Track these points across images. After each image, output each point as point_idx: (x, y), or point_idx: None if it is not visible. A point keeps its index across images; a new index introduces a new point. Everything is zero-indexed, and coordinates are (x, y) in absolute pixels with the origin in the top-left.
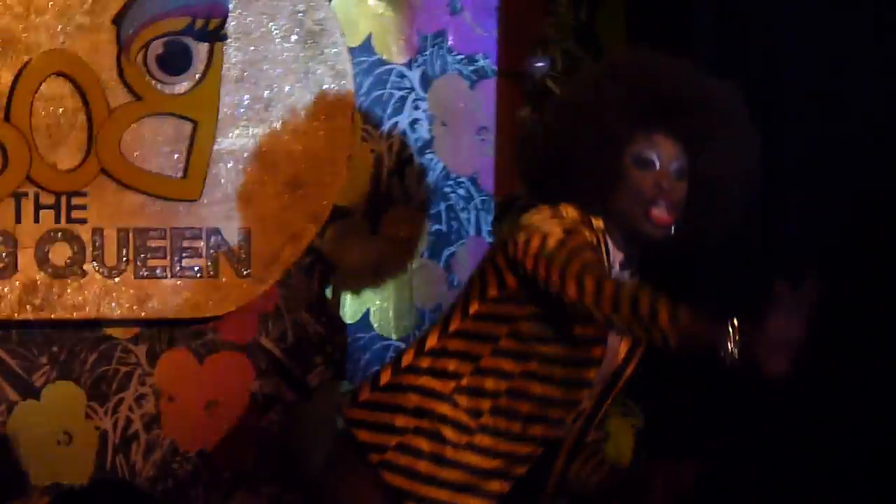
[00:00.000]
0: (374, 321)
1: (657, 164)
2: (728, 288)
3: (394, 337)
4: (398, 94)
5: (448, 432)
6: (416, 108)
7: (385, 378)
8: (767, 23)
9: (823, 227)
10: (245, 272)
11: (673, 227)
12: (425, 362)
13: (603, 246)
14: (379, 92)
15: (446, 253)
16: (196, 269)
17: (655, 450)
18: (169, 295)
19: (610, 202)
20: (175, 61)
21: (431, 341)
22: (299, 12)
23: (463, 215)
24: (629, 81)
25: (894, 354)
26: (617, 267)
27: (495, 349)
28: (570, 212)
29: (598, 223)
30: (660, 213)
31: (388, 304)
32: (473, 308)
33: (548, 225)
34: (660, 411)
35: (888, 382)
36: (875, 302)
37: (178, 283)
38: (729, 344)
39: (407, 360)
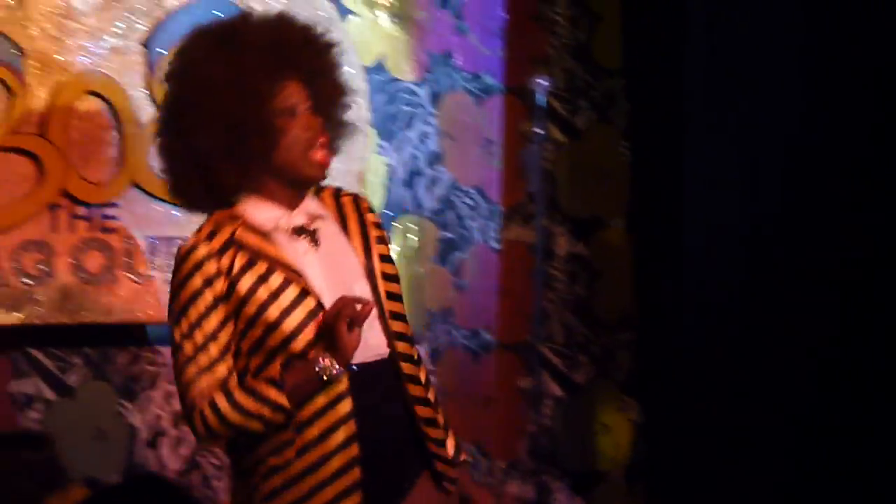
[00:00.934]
0: None
1: (298, 110)
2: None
3: None
4: (409, 110)
5: None
6: (427, 123)
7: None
8: (758, 43)
9: (837, 230)
10: None
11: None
12: None
13: (240, 245)
14: (392, 108)
15: (455, 259)
16: None
17: (653, 444)
18: None
19: (272, 164)
20: None
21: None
22: None
23: (470, 223)
24: (248, 46)
25: None
26: (270, 224)
27: None
28: (195, 255)
29: (232, 225)
30: (320, 154)
31: None
32: None
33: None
34: (657, 406)
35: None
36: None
37: None
38: (325, 372)
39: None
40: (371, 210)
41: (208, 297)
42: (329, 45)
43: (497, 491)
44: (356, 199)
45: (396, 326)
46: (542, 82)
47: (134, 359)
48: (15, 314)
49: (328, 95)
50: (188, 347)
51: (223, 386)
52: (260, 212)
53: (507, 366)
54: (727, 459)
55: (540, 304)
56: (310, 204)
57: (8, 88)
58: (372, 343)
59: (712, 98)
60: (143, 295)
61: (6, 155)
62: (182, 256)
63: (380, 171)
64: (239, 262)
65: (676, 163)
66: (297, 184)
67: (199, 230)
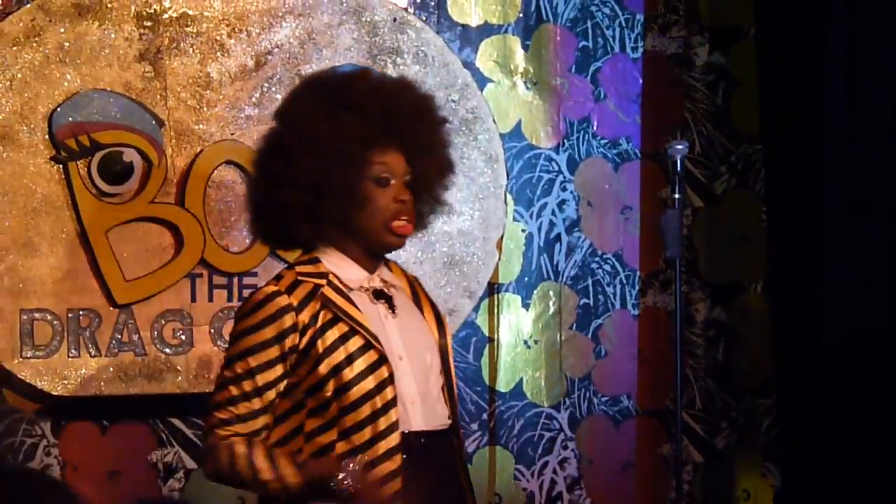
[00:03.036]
0: (527, 390)
1: (392, 181)
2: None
3: (545, 404)
4: (547, 176)
5: None
6: (564, 189)
7: None
8: None
9: None
10: None
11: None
12: None
13: (327, 287)
14: (529, 175)
15: (594, 325)
16: None
17: None
18: None
19: (351, 224)
20: None
21: None
22: (452, 101)
23: (609, 289)
24: (356, 108)
25: None
26: (355, 285)
27: None
28: (275, 303)
29: (315, 280)
30: (401, 225)
31: (540, 374)
32: None
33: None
34: (797, 471)
35: None
36: None
37: None
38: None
39: None
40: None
41: (273, 351)
42: (440, 121)
43: None
44: (417, 279)
45: (449, 401)
46: (680, 147)
47: None
48: (155, 383)
49: (428, 171)
50: (233, 391)
51: (249, 438)
52: (344, 270)
53: (647, 432)
54: None
55: (680, 369)
56: (384, 271)
57: (147, 159)
58: (439, 412)
59: (850, 164)
60: None
61: (146, 225)
62: (260, 301)
63: (517, 238)
64: (323, 318)
65: (815, 227)
66: (373, 249)
67: (280, 278)
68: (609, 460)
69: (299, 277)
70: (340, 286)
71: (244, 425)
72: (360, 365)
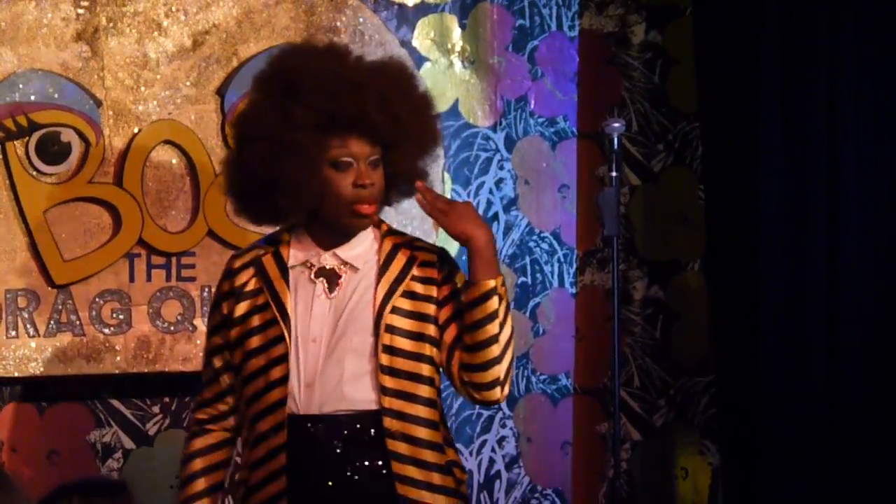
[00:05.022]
0: None
1: (354, 164)
2: None
3: None
4: (484, 155)
5: None
6: (501, 167)
7: None
8: (832, 83)
9: None
10: None
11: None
12: None
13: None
14: (466, 153)
15: (532, 304)
16: None
17: (731, 488)
18: None
19: (314, 210)
20: None
21: None
22: None
23: (546, 268)
24: (313, 97)
25: None
26: (296, 261)
27: None
28: (227, 265)
29: (268, 248)
30: (363, 207)
31: None
32: None
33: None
34: (735, 450)
35: None
36: None
37: None
38: None
39: None
40: (432, 265)
41: (215, 318)
42: (410, 96)
43: None
44: (413, 255)
45: (387, 381)
46: (617, 126)
47: None
48: (94, 364)
49: (398, 149)
50: (204, 367)
51: (200, 412)
52: (297, 246)
53: (585, 410)
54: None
55: (618, 348)
56: (353, 248)
57: (85, 139)
58: (350, 396)
59: (786, 141)
60: None
61: (83, 205)
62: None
63: None
64: (251, 285)
65: (752, 205)
66: (338, 229)
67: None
68: (547, 438)
69: (255, 244)
70: (283, 259)
71: (204, 410)
72: (258, 340)
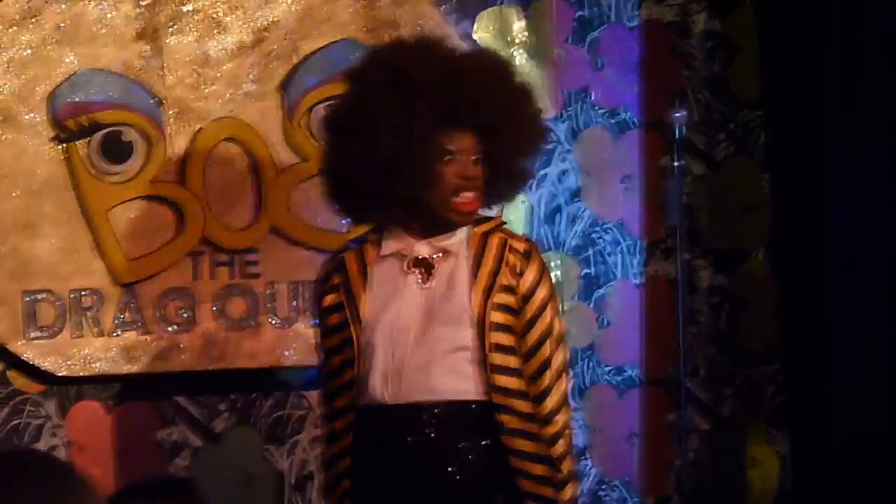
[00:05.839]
0: None
1: (459, 157)
2: None
3: None
4: (547, 147)
5: None
6: (564, 159)
7: None
8: None
9: None
10: None
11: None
12: None
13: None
14: None
15: (596, 295)
16: None
17: (801, 476)
18: None
19: (418, 201)
20: None
21: None
22: None
23: (611, 259)
24: (424, 90)
25: None
26: (390, 250)
27: None
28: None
29: (357, 248)
30: (462, 202)
31: None
32: None
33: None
34: (804, 438)
35: None
36: None
37: None
38: None
39: None
40: (519, 255)
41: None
42: (514, 93)
43: None
44: (506, 243)
45: (499, 381)
46: (679, 115)
47: (279, 403)
48: (160, 362)
49: (500, 147)
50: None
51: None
52: (391, 238)
53: (652, 401)
54: (877, 492)
55: (683, 337)
56: (448, 239)
57: (147, 138)
58: (441, 387)
59: (852, 127)
60: (286, 339)
61: (147, 203)
62: None
63: (519, 210)
64: (335, 280)
65: (818, 192)
66: (437, 223)
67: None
68: (614, 430)
69: (346, 245)
70: (364, 257)
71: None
72: (337, 339)
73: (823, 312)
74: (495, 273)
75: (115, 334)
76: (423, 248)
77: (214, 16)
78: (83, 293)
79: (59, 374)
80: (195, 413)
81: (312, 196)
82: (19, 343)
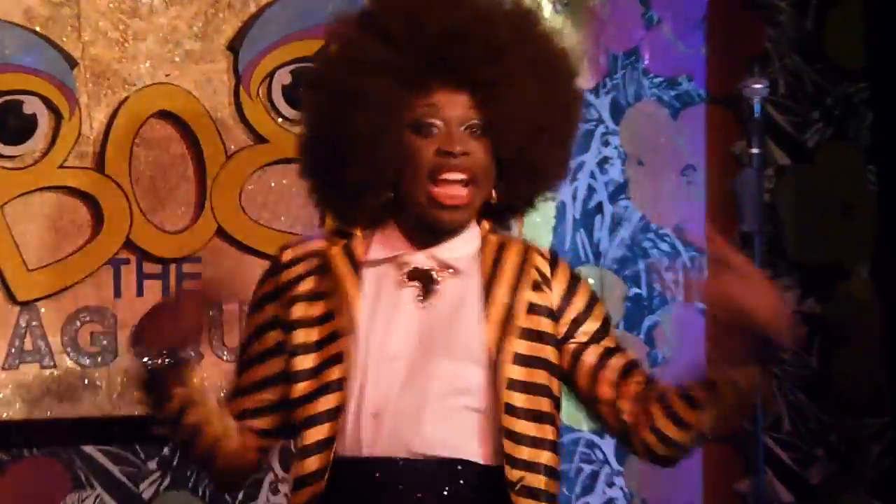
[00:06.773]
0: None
1: (438, 126)
2: None
3: (584, 428)
4: (584, 127)
5: None
6: (606, 144)
7: None
8: None
9: None
10: None
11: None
12: None
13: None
14: None
15: (647, 323)
16: None
17: None
18: None
19: (398, 187)
20: None
21: None
22: None
23: (667, 275)
24: (388, 32)
25: None
26: (376, 255)
27: None
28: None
29: (337, 241)
30: (443, 189)
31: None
32: None
33: None
34: None
35: None
36: None
37: None
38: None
39: None
40: (546, 265)
41: (267, 313)
42: (533, 42)
43: None
44: (525, 251)
45: (513, 424)
46: (759, 87)
47: None
48: (69, 405)
49: (509, 116)
50: (237, 365)
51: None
52: (381, 240)
53: (718, 463)
54: None
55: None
56: (455, 249)
57: (55, 110)
58: (435, 438)
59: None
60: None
61: (56, 196)
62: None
63: (546, 210)
64: (308, 285)
65: None
66: (422, 225)
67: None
68: (669, 501)
69: (314, 234)
70: (355, 255)
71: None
72: (312, 359)
73: None
74: (515, 289)
75: (10, 367)
76: (423, 260)
77: None
78: None
79: None
80: (115, 472)
81: (272, 188)
82: None
